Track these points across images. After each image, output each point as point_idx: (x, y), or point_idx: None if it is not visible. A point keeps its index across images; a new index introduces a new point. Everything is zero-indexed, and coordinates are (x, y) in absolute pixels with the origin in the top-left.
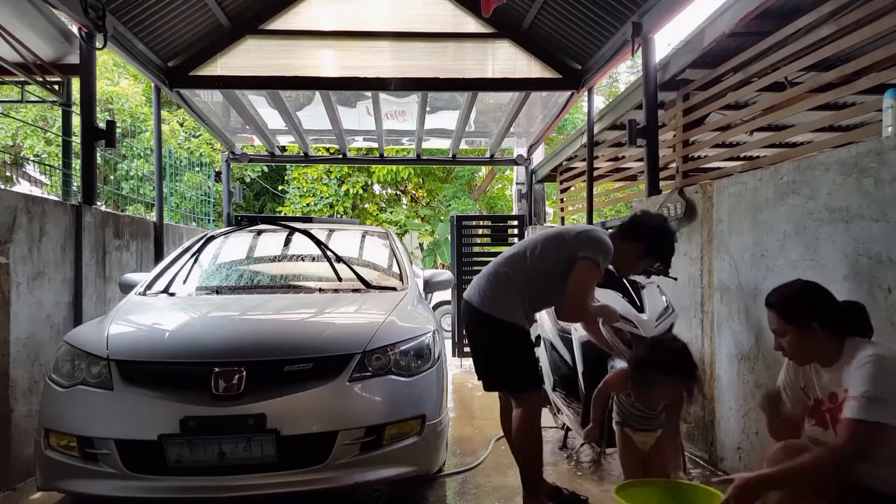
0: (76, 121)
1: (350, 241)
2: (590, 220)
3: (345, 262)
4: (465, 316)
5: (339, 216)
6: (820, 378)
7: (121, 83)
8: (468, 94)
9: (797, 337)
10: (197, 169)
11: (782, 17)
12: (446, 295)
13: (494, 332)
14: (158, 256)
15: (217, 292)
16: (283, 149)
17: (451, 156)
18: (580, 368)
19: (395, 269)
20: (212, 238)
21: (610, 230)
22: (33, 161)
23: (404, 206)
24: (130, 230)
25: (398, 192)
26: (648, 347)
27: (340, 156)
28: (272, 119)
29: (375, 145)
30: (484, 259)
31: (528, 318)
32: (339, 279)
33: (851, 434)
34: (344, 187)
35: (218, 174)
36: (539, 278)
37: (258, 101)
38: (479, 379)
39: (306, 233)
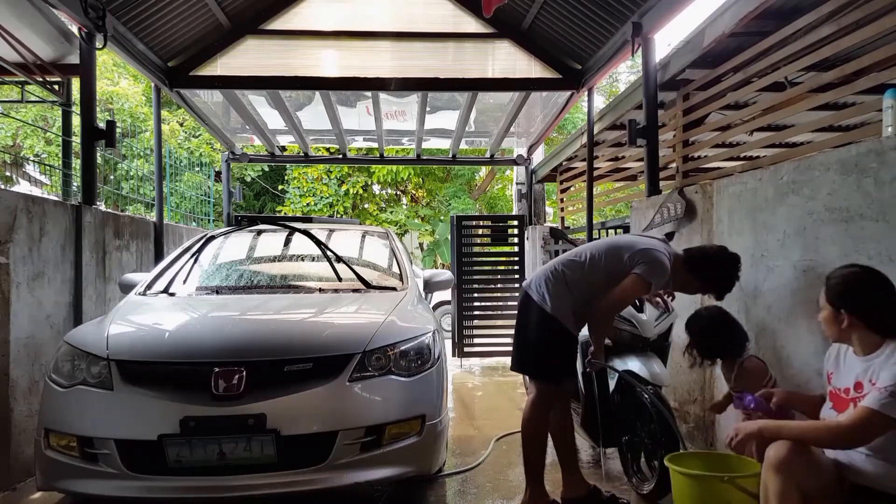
0: (76, 121)
1: (350, 241)
2: (590, 221)
3: (345, 262)
4: (519, 304)
5: (339, 216)
6: (851, 367)
7: (121, 83)
8: (468, 94)
9: (829, 317)
10: (197, 169)
11: (782, 17)
12: (446, 295)
13: (539, 321)
14: (158, 256)
15: (217, 292)
16: (283, 149)
17: (451, 156)
18: (580, 369)
19: (395, 269)
20: (212, 238)
21: (672, 251)
22: (33, 161)
23: (404, 206)
24: (130, 230)
25: (398, 192)
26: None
27: (340, 156)
28: (272, 119)
29: (375, 145)
30: (484, 259)
31: (576, 319)
32: (339, 279)
33: (862, 420)
34: (344, 187)
35: (218, 174)
36: (593, 284)
37: (258, 101)
38: (512, 358)
39: (306, 233)
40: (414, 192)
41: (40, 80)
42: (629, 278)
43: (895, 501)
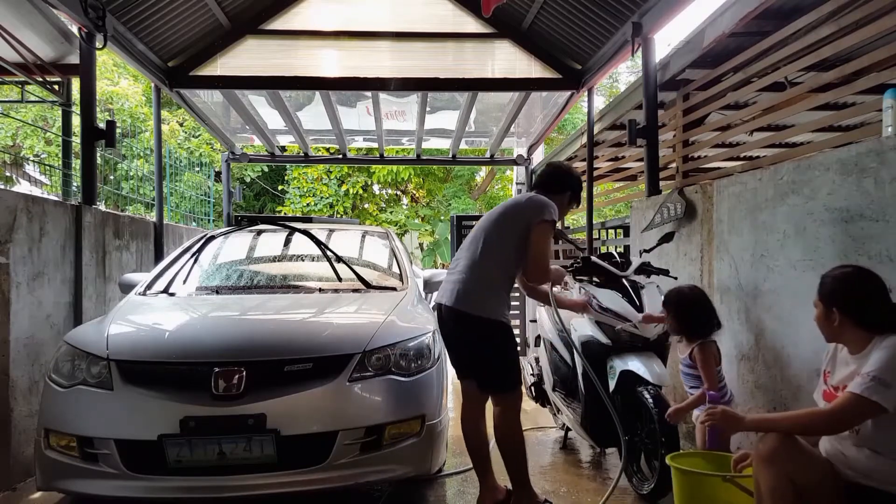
0: (76, 121)
1: (350, 241)
2: (590, 221)
3: (345, 262)
4: (442, 319)
5: (339, 216)
6: (846, 364)
7: (121, 83)
8: (468, 94)
9: (821, 316)
10: (197, 169)
11: (782, 17)
12: None
13: (476, 330)
14: (158, 256)
15: (217, 292)
16: (283, 149)
17: (451, 156)
18: (580, 368)
19: (395, 269)
20: (212, 238)
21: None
22: (33, 161)
23: (404, 206)
24: (130, 230)
25: (398, 192)
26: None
27: (340, 156)
28: (272, 119)
29: (375, 145)
30: None
31: (508, 309)
32: (339, 279)
33: (847, 405)
34: (344, 187)
35: (218, 174)
36: (506, 259)
37: (258, 101)
38: (457, 374)
39: (306, 233)
40: (414, 192)
41: (40, 80)
42: (536, 229)
43: (890, 499)
